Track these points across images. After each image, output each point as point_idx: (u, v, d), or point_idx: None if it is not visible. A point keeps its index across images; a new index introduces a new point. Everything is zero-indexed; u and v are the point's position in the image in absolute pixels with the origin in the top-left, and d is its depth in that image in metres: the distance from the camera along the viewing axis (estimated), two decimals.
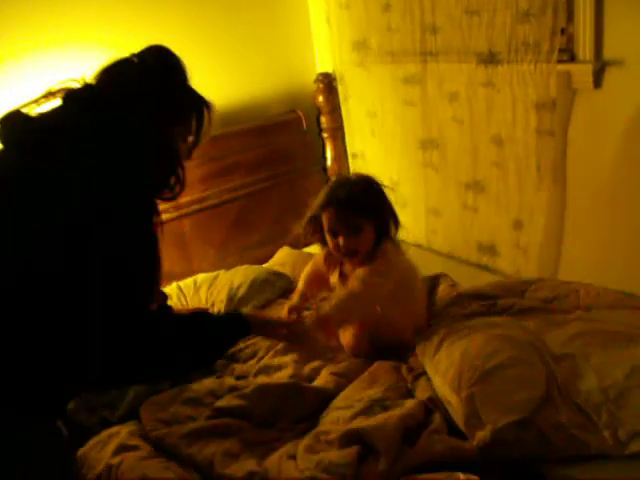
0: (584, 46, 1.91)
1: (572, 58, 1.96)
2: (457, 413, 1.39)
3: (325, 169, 2.93)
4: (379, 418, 1.43)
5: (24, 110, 1.26)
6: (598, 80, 1.91)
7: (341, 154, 2.94)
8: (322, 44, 2.88)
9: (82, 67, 1.37)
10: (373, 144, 2.80)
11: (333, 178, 2.89)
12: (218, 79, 2.67)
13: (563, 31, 1.95)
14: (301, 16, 2.87)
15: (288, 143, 2.81)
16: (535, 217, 2.21)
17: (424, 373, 1.62)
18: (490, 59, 2.15)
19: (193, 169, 2.54)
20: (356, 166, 2.91)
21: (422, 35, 2.39)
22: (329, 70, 2.86)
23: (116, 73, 1.32)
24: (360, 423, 1.43)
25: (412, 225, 2.73)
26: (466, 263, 2.53)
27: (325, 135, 2.90)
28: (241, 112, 2.75)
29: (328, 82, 2.81)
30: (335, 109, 2.86)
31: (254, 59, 2.77)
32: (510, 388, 1.35)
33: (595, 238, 2.09)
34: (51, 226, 1.13)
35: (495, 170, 2.30)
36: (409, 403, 1.49)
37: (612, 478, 1.25)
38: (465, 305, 1.83)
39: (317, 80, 2.83)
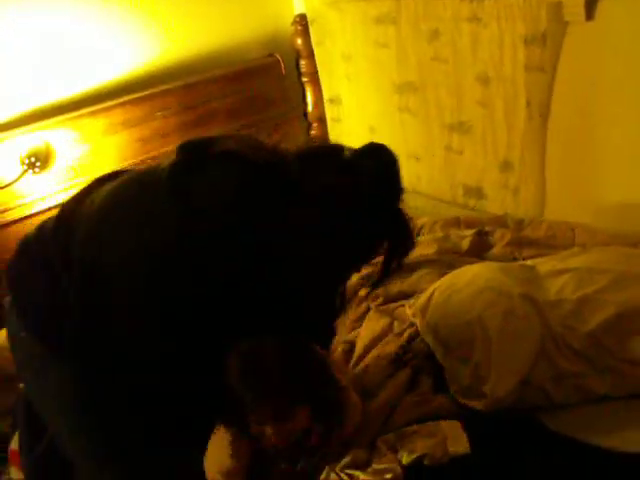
0: None
1: None
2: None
3: (305, 114, 2.83)
4: None
5: None
6: (590, 11, 1.82)
7: (320, 99, 2.83)
8: None
9: None
10: (350, 88, 2.69)
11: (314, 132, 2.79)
12: (193, 22, 2.57)
13: None
14: None
15: (267, 88, 2.70)
16: (525, 157, 2.14)
17: None
18: None
19: (168, 118, 2.47)
20: (333, 112, 2.81)
21: None
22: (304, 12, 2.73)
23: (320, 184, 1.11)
24: None
25: None
26: (453, 204, 2.46)
27: (305, 79, 2.79)
28: (217, 57, 2.65)
29: (306, 24, 2.69)
30: (314, 53, 2.74)
31: (230, 0, 2.64)
32: (508, 347, 1.31)
33: (578, 175, 2.03)
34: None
35: (481, 110, 2.21)
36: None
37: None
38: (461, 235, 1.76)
39: (295, 22, 2.70)
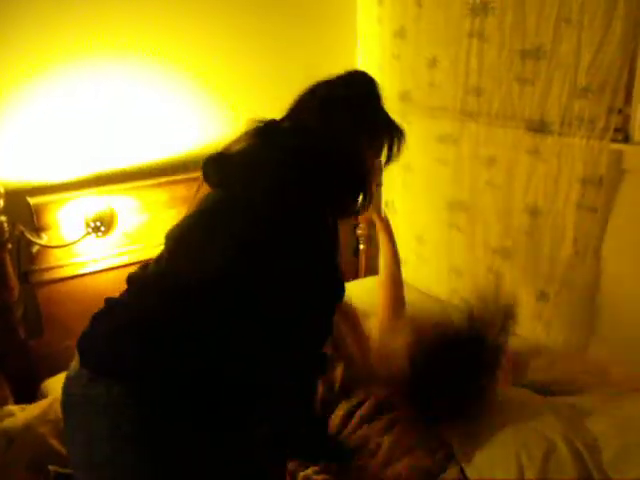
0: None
1: (625, 139, 1.97)
2: None
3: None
4: None
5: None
6: None
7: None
8: None
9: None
10: (404, 196, 2.79)
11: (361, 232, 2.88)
12: (258, 102, 2.61)
13: (620, 111, 1.96)
14: (348, 54, 2.88)
15: None
16: (564, 290, 2.19)
17: None
18: (541, 128, 2.15)
19: None
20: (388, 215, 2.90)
21: (464, 95, 2.40)
22: None
23: (324, 102, 1.47)
24: None
25: (434, 281, 2.72)
26: None
27: None
28: None
29: None
30: None
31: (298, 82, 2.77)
32: None
33: (628, 319, 2.07)
34: (244, 249, 1.22)
35: (525, 239, 2.29)
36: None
37: None
38: None
39: None
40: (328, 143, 1.37)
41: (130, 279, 1.32)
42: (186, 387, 1.13)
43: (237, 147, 1.41)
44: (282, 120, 1.50)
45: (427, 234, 2.69)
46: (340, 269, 1.32)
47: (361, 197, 1.44)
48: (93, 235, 2.19)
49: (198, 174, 2.43)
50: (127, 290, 1.30)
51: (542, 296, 2.26)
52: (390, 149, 1.54)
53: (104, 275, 2.34)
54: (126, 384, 1.12)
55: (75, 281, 2.27)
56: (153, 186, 2.43)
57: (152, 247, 2.35)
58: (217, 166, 1.40)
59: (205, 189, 1.42)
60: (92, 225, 2.16)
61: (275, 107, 2.68)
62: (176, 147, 2.55)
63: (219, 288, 1.18)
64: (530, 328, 2.30)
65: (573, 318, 2.18)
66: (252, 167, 1.35)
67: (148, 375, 1.13)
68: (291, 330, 1.22)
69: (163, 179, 2.46)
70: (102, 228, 2.17)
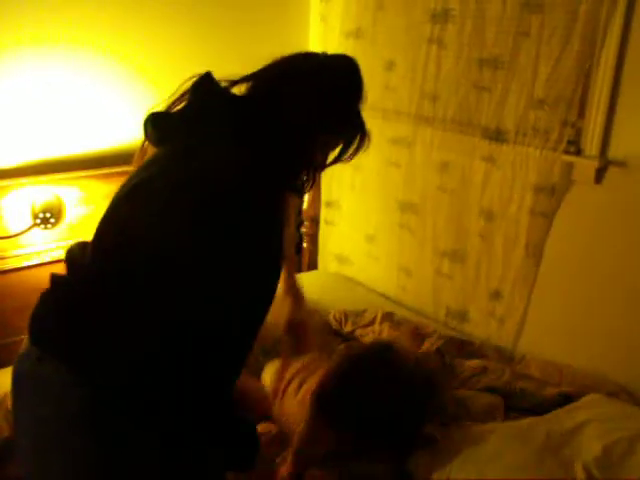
0: (591, 142, 2.03)
1: (578, 151, 2.08)
2: None
3: (300, 211, 2.91)
4: None
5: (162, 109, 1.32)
6: (599, 177, 2.03)
7: (317, 201, 2.93)
8: None
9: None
10: (351, 197, 2.81)
11: (306, 231, 2.89)
12: None
13: (573, 124, 2.07)
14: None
15: None
16: (517, 290, 2.29)
17: None
18: (496, 136, 2.24)
19: None
20: (328, 215, 2.92)
21: (420, 99, 2.45)
22: None
23: (299, 70, 1.35)
24: None
25: (383, 278, 2.77)
26: (433, 321, 2.56)
27: None
28: None
29: None
30: None
31: None
32: None
33: (564, 317, 2.20)
34: (185, 215, 1.14)
35: (479, 241, 2.37)
36: None
37: None
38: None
39: None
40: (282, 113, 1.29)
41: (71, 259, 1.26)
42: (131, 373, 1.11)
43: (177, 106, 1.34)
44: (238, 80, 1.37)
45: (377, 233, 2.73)
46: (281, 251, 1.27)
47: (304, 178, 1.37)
48: (42, 226, 2.05)
49: None
50: (69, 270, 1.25)
51: (496, 295, 2.35)
52: (346, 148, 1.44)
53: (48, 268, 2.21)
54: (73, 365, 1.10)
55: (17, 274, 2.13)
56: (99, 177, 2.32)
57: None
58: (157, 121, 1.32)
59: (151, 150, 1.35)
60: (41, 216, 2.03)
61: None
62: (121, 138, 2.45)
63: (164, 268, 1.13)
64: (482, 325, 2.40)
65: (523, 316, 2.29)
66: (193, 119, 1.29)
67: (94, 358, 1.11)
68: (227, 315, 1.18)
69: (110, 170, 2.35)
70: (52, 220, 2.05)
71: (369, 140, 1.44)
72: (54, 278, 1.23)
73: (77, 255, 1.25)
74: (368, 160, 2.65)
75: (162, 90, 2.44)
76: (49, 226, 2.07)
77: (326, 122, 1.37)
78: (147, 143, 1.35)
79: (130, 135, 2.45)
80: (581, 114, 2.06)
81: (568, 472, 1.40)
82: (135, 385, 1.12)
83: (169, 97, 1.34)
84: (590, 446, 1.45)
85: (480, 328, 2.43)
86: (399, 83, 2.51)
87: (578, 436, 1.50)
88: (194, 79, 1.33)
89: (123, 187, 1.26)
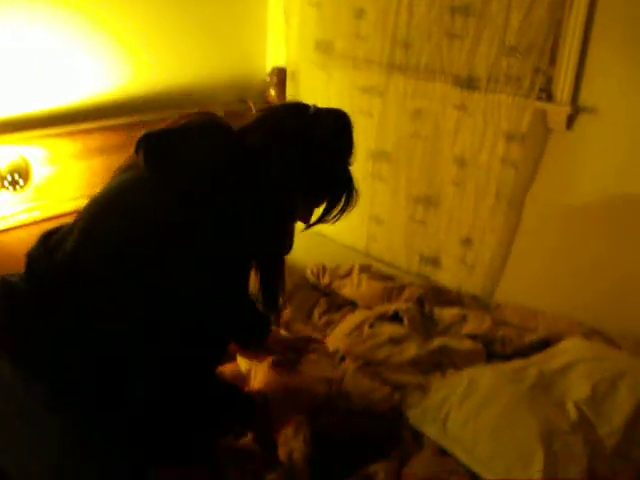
0: (562, 89, 2.06)
1: (549, 98, 2.11)
2: None
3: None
4: None
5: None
6: (571, 123, 2.08)
7: None
8: (278, 38, 2.82)
9: None
10: None
11: None
12: (164, 55, 2.56)
13: (544, 72, 2.09)
14: (259, 7, 2.81)
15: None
16: (486, 237, 2.35)
17: None
18: (468, 84, 2.25)
19: None
20: None
21: (392, 48, 2.43)
22: (282, 65, 2.81)
23: (286, 122, 1.35)
24: None
25: (353, 229, 2.78)
26: (406, 271, 2.61)
27: None
28: (191, 94, 2.64)
29: (283, 77, 2.77)
30: None
31: (206, 43, 2.69)
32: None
33: (538, 265, 2.27)
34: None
35: (452, 188, 2.40)
36: None
37: None
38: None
39: (272, 73, 2.77)
40: (268, 169, 1.29)
41: (31, 260, 1.32)
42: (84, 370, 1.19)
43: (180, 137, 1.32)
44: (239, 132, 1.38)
45: None
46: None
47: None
48: (10, 189, 1.97)
49: (110, 122, 2.35)
50: (27, 271, 1.31)
51: (466, 242, 2.40)
52: (331, 207, 1.41)
53: (14, 233, 2.14)
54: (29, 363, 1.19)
55: None
56: (63, 135, 2.22)
57: (64, 201, 2.19)
58: (160, 153, 1.30)
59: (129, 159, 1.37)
60: (9, 178, 1.94)
61: (180, 55, 2.62)
62: (85, 93, 2.35)
63: (130, 282, 1.20)
64: (455, 271, 2.45)
65: (493, 262, 2.35)
66: (193, 169, 1.28)
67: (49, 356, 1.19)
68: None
69: (74, 127, 2.26)
70: (20, 181, 1.96)
71: (357, 199, 1.43)
72: (4, 280, 1.29)
73: (40, 256, 1.31)
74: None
75: (126, 46, 2.39)
76: (18, 188, 1.98)
77: (308, 180, 1.36)
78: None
79: (94, 90, 2.37)
80: (552, 61, 2.08)
81: (560, 410, 1.48)
82: (89, 382, 1.18)
83: (168, 121, 1.37)
84: (579, 386, 1.54)
85: (451, 275, 2.49)
86: (370, 31, 2.47)
87: (566, 376, 1.59)
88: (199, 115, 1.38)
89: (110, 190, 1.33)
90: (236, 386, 1.52)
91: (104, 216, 1.30)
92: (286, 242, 1.41)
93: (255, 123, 1.38)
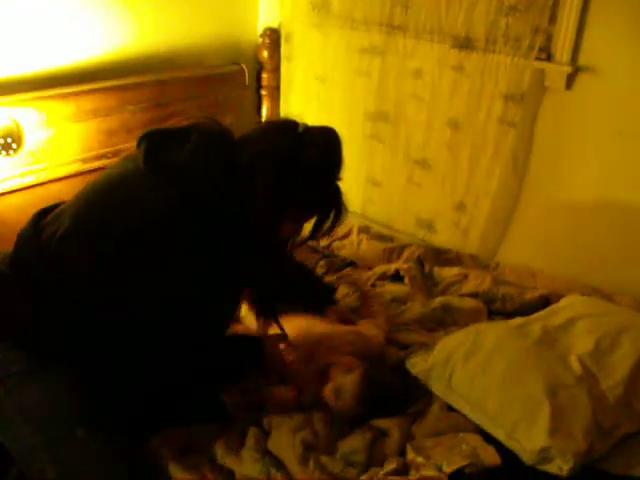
0: (562, 48, 2.06)
1: (548, 57, 2.10)
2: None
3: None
4: None
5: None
6: (570, 82, 2.08)
7: (277, 114, 2.87)
8: None
9: None
10: (318, 109, 2.76)
11: None
12: (163, 17, 2.51)
13: (544, 31, 2.08)
14: None
15: (229, 96, 2.68)
16: (480, 201, 2.36)
17: None
18: (466, 44, 2.23)
19: (137, 113, 2.38)
20: None
21: (391, 8, 2.40)
22: (275, 26, 2.76)
23: (274, 141, 1.37)
24: None
25: (348, 192, 2.76)
26: (402, 233, 2.62)
27: (264, 93, 2.82)
28: (181, 57, 2.60)
29: (277, 38, 2.72)
30: (278, 67, 2.78)
31: (196, 4, 2.62)
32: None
33: (539, 227, 2.28)
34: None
35: (446, 151, 2.40)
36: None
37: None
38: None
39: (264, 34, 2.73)
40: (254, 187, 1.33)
41: (20, 241, 1.41)
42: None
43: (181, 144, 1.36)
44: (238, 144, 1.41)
45: (344, 146, 2.70)
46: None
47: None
48: (3, 153, 1.93)
49: (103, 84, 2.31)
50: (14, 253, 1.41)
51: (460, 206, 2.40)
52: (319, 224, 1.45)
53: (7, 199, 2.10)
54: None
55: None
56: (57, 97, 2.17)
57: (59, 166, 2.17)
58: (160, 152, 1.35)
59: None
60: (1, 142, 1.91)
61: (171, 17, 2.57)
62: (79, 55, 2.29)
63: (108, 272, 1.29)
64: (448, 235, 2.46)
65: (488, 226, 2.36)
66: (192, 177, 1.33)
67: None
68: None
69: (66, 89, 2.21)
70: (14, 145, 1.93)
71: (345, 215, 1.45)
72: None
73: (29, 234, 1.39)
74: (335, 71, 2.61)
75: (118, 8, 2.34)
76: (11, 152, 1.95)
77: (296, 199, 1.38)
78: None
79: (87, 52, 2.31)
80: (552, 20, 2.08)
81: (565, 364, 1.51)
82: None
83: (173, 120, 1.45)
84: (583, 340, 1.56)
85: (446, 238, 2.50)
86: None
87: (570, 331, 1.61)
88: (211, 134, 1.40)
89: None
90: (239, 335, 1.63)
91: (98, 205, 1.35)
92: (273, 258, 1.47)
93: (249, 138, 1.41)
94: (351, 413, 1.51)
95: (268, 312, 1.61)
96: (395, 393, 1.59)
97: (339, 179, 1.45)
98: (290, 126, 1.40)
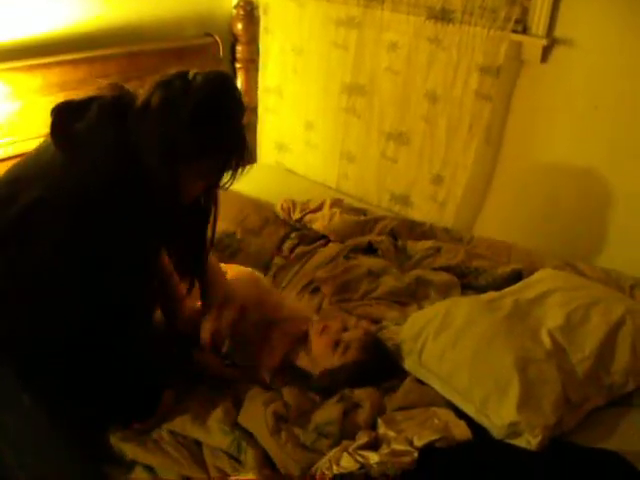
0: (538, 20, 2.04)
1: (524, 30, 2.08)
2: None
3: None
4: None
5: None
6: (546, 55, 2.06)
7: (252, 87, 2.82)
8: None
9: None
10: (294, 81, 2.72)
11: None
12: None
13: (520, 3, 2.05)
14: None
15: (202, 69, 2.62)
16: (458, 174, 2.34)
17: None
18: (442, 16, 2.20)
19: None
20: (269, 102, 2.82)
21: None
22: None
23: (167, 94, 1.31)
24: None
25: (322, 167, 2.75)
26: (376, 207, 2.60)
27: (238, 65, 2.77)
28: (151, 28, 2.53)
29: (251, 10, 2.67)
30: (253, 40, 2.73)
31: None
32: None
33: (516, 201, 2.28)
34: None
35: (423, 124, 2.38)
36: None
37: None
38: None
39: (238, 6, 2.67)
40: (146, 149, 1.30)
41: None
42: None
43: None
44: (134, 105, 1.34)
45: (318, 120, 2.68)
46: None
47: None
48: None
49: (70, 57, 2.25)
50: None
51: (437, 179, 2.39)
52: (219, 173, 1.40)
53: None
54: None
55: None
56: (24, 69, 2.12)
57: (26, 140, 2.10)
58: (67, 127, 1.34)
59: None
60: None
61: None
62: (46, 26, 2.23)
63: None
64: (425, 209, 2.45)
65: (465, 199, 2.35)
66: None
67: None
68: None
69: (32, 61, 2.15)
70: None
71: (247, 161, 1.40)
72: None
73: None
74: (311, 43, 2.57)
75: None
76: None
77: (189, 151, 1.32)
78: None
79: (55, 23, 2.25)
80: None
81: (535, 338, 1.51)
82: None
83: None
84: (554, 314, 1.57)
85: (421, 212, 2.49)
86: None
87: (542, 305, 1.62)
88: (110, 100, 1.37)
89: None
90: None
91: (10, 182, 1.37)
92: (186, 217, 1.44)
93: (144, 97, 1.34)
94: (353, 369, 1.54)
95: (191, 272, 1.58)
96: (391, 355, 1.63)
97: (236, 125, 1.38)
98: (180, 76, 1.34)
